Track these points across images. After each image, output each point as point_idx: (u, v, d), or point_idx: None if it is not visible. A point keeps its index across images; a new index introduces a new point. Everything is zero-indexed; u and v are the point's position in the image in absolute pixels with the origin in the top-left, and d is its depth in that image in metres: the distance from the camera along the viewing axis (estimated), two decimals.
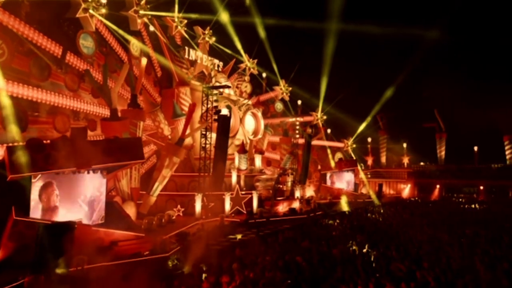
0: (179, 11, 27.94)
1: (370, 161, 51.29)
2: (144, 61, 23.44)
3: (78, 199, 14.12)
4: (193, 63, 29.07)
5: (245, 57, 35.41)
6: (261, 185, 28.53)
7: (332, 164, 41.80)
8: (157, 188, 22.70)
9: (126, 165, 15.97)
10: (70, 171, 13.37)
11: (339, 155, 44.83)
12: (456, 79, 47.67)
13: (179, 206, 23.83)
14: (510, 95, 42.54)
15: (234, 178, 26.50)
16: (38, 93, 18.25)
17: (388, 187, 47.39)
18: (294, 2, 50.25)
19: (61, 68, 20.21)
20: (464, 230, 18.12)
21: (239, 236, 17.97)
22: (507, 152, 45.88)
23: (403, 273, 11.23)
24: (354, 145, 46.32)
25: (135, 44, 24.77)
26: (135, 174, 21.73)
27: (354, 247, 14.80)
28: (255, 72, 36.49)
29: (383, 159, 51.90)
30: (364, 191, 43.07)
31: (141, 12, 24.60)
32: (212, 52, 31.73)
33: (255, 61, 36.12)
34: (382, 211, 28.30)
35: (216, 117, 23.50)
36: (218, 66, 31.50)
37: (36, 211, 12.48)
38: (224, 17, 30.54)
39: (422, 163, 50.55)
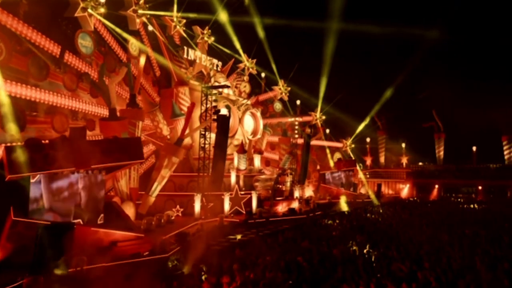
0: (178, 11, 27.86)
1: (368, 161, 51.33)
2: (142, 60, 23.34)
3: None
4: (192, 62, 28.99)
5: (244, 57, 35.34)
6: (260, 185, 28.48)
7: (331, 164, 41.78)
8: (156, 188, 22.61)
9: (126, 165, 15.87)
10: (69, 171, 13.26)
11: (338, 155, 44.85)
12: (455, 79, 47.75)
13: (178, 206, 23.74)
14: (509, 95, 42.59)
15: (233, 178, 26.43)
16: (36, 93, 18.14)
17: (387, 187, 47.43)
18: (293, 2, 50.21)
19: (59, 67, 20.10)
20: (464, 230, 18.13)
21: (238, 237, 17.91)
22: (505, 152, 46.01)
23: (404, 274, 11.21)
24: (353, 145, 46.34)
25: (133, 44, 24.69)
26: (134, 174, 21.66)
27: (354, 247, 14.78)
28: (254, 72, 36.44)
29: (382, 159, 51.97)
30: (363, 191, 43.09)
31: (140, 11, 24.52)
32: (211, 51, 31.68)
33: (254, 61, 36.06)
34: (381, 211, 28.31)
35: (215, 117, 23.42)
36: (217, 66, 31.43)
37: None
38: (223, 16, 30.47)
39: (420, 163, 50.62)
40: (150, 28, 26.12)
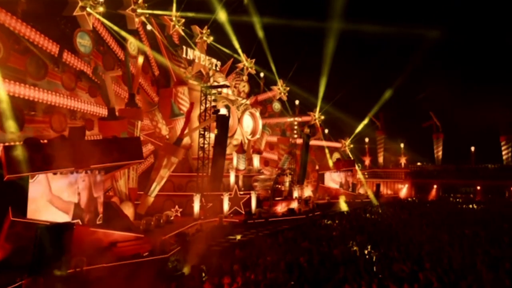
0: (177, 10, 27.74)
1: (367, 161, 51.38)
2: (140, 59, 23.23)
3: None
4: (190, 62, 28.88)
5: (243, 56, 35.25)
6: (259, 185, 28.41)
7: (330, 164, 41.75)
8: (155, 188, 22.51)
9: (125, 165, 15.76)
10: (68, 171, 13.15)
11: (336, 155, 44.84)
12: (454, 80, 47.86)
13: (177, 207, 23.65)
14: (507, 95, 42.73)
15: (232, 178, 26.36)
16: (34, 92, 17.98)
17: (385, 187, 47.49)
18: (293, 2, 50.19)
19: (58, 66, 19.94)
20: (464, 230, 18.14)
21: (238, 237, 17.86)
22: (503, 153, 46.14)
23: (406, 274, 11.17)
24: (352, 145, 46.33)
25: (132, 43, 24.56)
26: (133, 174, 21.56)
27: (355, 248, 14.74)
28: (253, 71, 36.35)
29: (381, 159, 52.04)
30: (361, 191, 43.11)
31: (139, 10, 24.38)
32: (210, 51, 31.58)
33: (253, 60, 35.98)
34: (380, 211, 28.31)
35: (214, 117, 23.34)
36: (216, 65, 31.33)
37: None
38: (222, 16, 30.38)
39: (419, 163, 50.68)
40: (149, 27, 26.00)
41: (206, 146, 23.80)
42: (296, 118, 36.37)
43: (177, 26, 28.15)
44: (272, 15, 33.72)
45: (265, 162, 37.86)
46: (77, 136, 13.81)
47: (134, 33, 25.01)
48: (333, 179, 41.18)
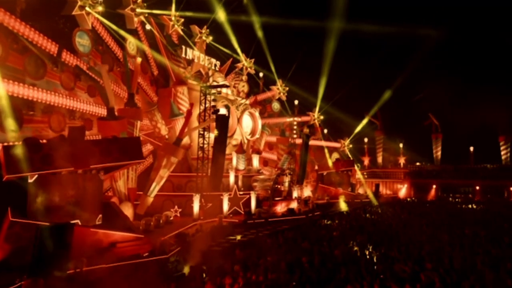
0: (176, 10, 27.65)
1: (366, 161, 51.40)
2: (139, 58, 23.11)
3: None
4: (190, 62, 28.80)
5: (242, 56, 35.19)
6: (259, 185, 28.34)
7: (330, 164, 41.73)
8: (155, 188, 22.43)
9: (125, 165, 15.68)
10: (67, 171, 13.05)
11: (336, 155, 44.82)
12: (452, 80, 47.91)
13: (176, 207, 23.56)
14: (505, 96, 42.83)
15: (232, 178, 26.29)
16: (33, 92, 17.88)
17: (384, 187, 47.52)
18: (292, 1, 50.17)
19: (56, 66, 19.85)
20: (464, 230, 18.13)
21: (238, 237, 17.80)
22: (502, 153, 46.23)
23: (407, 274, 11.14)
24: (351, 145, 46.33)
25: (131, 43, 24.47)
26: (132, 174, 21.47)
27: (355, 248, 14.71)
28: (252, 71, 36.29)
29: (380, 159, 52.07)
30: (361, 191, 43.10)
31: (138, 10, 24.29)
32: (209, 51, 31.50)
33: (252, 60, 35.92)
34: (380, 211, 28.30)
35: (214, 117, 23.27)
36: (215, 65, 31.27)
37: None
38: (221, 16, 30.31)
39: (418, 163, 50.72)
40: (148, 27, 25.92)
41: (205, 146, 23.72)
42: (296, 118, 36.33)
43: (176, 26, 28.07)
44: (271, 15, 33.73)
45: (264, 162, 37.79)
46: (76, 136, 13.70)
47: (133, 32, 24.92)
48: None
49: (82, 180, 13.71)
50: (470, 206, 32.54)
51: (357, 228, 19.55)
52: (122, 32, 23.42)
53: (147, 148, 27.20)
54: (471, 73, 53.83)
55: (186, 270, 12.57)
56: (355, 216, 25.47)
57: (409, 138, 49.53)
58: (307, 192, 35.24)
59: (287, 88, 39.35)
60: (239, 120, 30.74)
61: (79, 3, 19.90)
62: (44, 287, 9.38)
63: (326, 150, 42.85)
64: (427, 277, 10.68)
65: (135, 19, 24.21)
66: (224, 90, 28.76)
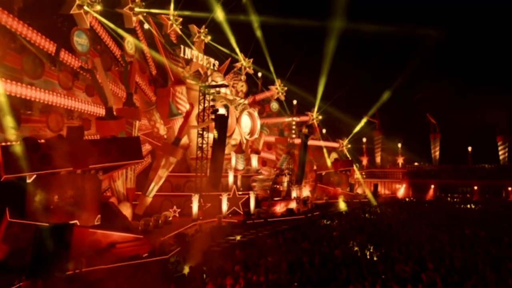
0: (174, 9, 27.52)
1: (365, 161, 51.39)
2: (134, 57, 22.98)
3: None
4: (188, 61, 28.69)
5: (240, 56, 35.09)
6: (258, 186, 28.26)
7: (329, 164, 41.69)
8: (153, 188, 22.32)
9: (124, 165, 15.59)
10: (66, 171, 12.93)
11: (334, 155, 44.78)
12: (451, 80, 47.99)
13: (175, 207, 23.47)
14: (504, 96, 42.93)
15: (231, 178, 26.20)
16: (31, 91, 17.73)
17: (383, 187, 47.53)
18: (291, 1, 50.14)
19: (55, 65, 19.69)
20: (463, 230, 18.14)
21: (238, 237, 17.72)
22: (500, 153, 46.33)
23: (408, 274, 11.10)
24: (349, 145, 46.32)
25: (130, 42, 24.33)
26: (130, 175, 21.36)
27: (355, 248, 14.66)
28: (251, 71, 36.18)
29: (378, 159, 52.07)
30: (359, 191, 43.09)
31: (136, 9, 24.15)
32: (208, 50, 31.39)
33: (251, 60, 35.84)
34: (379, 211, 28.29)
35: (213, 117, 23.17)
36: (214, 65, 31.18)
37: None
38: (219, 15, 30.21)
39: (416, 163, 50.77)
40: (146, 26, 25.78)
41: (204, 146, 23.62)
42: (294, 118, 36.27)
43: (174, 25, 27.91)
44: (270, 14, 33.67)
45: (263, 162, 37.73)
46: (75, 135, 13.62)
47: (132, 32, 24.77)
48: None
49: (80, 180, 13.62)
50: (468, 206, 32.59)
51: (357, 228, 19.53)
52: (121, 31, 23.28)
53: (145, 148, 27.06)
54: (470, 73, 54.02)
55: (186, 270, 12.49)
56: (355, 216, 25.46)
57: (407, 138, 49.63)
58: (305, 192, 35.21)
59: (286, 88, 39.27)
60: (238, 120, 30.66)
61: (77, 2, 19.75)
62: None
63: (325, 150, 42.82)
64: (428, 277, 10.65)
65: (134, 18, 24.06)
66: (223, 89, 28.66)
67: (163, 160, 22.62)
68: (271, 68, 37.04)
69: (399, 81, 41.67)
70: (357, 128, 45.43)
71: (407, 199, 40.18)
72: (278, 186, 28.92)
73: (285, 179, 30.13)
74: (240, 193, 25.27)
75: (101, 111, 21.08)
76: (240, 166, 27.84)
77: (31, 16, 18.06)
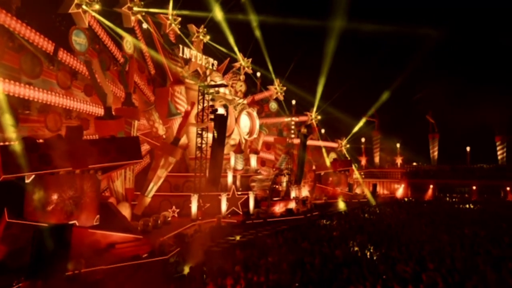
0: (173, 9, 27.42)
1: (363, 161, 51.40)
2: (135, 55, 22.88)
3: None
4: (187, 61, 28.61)
5: (239, 56, 35.02)
6: (257, 186, 28.20)
7: (328, 163, 41.67)
8: (152, 188, 22.23)
9: (123, 165, 15.48)
10: (65, 171, 12.84)
11: (333, 155, 44.77)
12: (449, 80, 48.08)
13: (174, 207, 23.38)
14: (502, 96, 43.03)
15: (230, 178, 26.13)
16: (29, 91, 17.62)
17: (382, 187, 47.53)
18: (290, 0, 50.10)
19: (53, 65, 19.61)
20: (463, 230, 18.13)
21: (238, 238, 17.65)
22: (498, 153, 46.41)
23: (409, 275, 11.06)
24: (348, 145, 46.31)
25: (128, 41, 24.21)
26: (129, 175, 21.26)
27: (356, 248, 14.62)
28: (250, 71, 36.10)
29: (377, 159, 52.08)
30: (358, 191, 43.07)
31: (135, 9, 24.02)
32: (206, 50, 31.31)
33: (250, 60, 35.76)
34: (378, 211, 28.28)
35: (212, 117, 23.09)
36: (213, 64, 31.10)
37: None
38: (218, 14, 30.12)
39: (414, 163, 50.82)
40: (144, 25, 25.68)
41: (203, 146, 23.54)
42: (293, 118, 36.23)
43: (173, 25, 27.79)
44: (269, 14, 33.61)
45: (262, 162, 37.69)
46: (74, 135, 13.50)
47: (130, 31, 24.66)
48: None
49: (79, 180, 13.52)
50: (467, 206, 32.61)
51: (356, 228, 19.49)
52: (119, 31, 23.16)
53: (144, 148, 26.96)
54: (468, 73, 54.14)
55: (186, 271, 12.42)
56: (354, 216, 25.43)
57: (406, 138, 49.66)
58: (304, 192, 35.18)
59: (285, 88, 39.20)
60: (237, 120, 30.60)
61: (76, 1, 19.59)
62: None
63: (323, 150, 42.80)
64: (429, 277, 10.61)
65: (132, 18, 23.91)
66: (222, 89, 28.60)
67: (162, 160, 22.53)
68: (270, 68, 36.98)
69: (398, 81, 41.70)
70: (356, 128, 45.44)
71: (406, 199, 40.18)
72: (277, 186, 28.88)
73: (284, 179, 30.10)
74: (239, 193, 25.21)
75: (100, 111, 20.99)
76: (239, 166, 27.77)
77: (29, 15, 17.97)
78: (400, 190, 45.73)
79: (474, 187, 42.81)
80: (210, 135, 23.65)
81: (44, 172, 12.11)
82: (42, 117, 18.90)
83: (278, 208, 26.59)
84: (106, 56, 23.18)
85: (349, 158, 44.44)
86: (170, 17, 27.53)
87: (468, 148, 47.34)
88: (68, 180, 13.10)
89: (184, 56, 28.14)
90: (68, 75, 20.43)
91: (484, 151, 47.40)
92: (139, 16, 24.50)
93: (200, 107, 24.12)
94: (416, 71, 46.17)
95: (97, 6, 20.80)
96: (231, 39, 32.68)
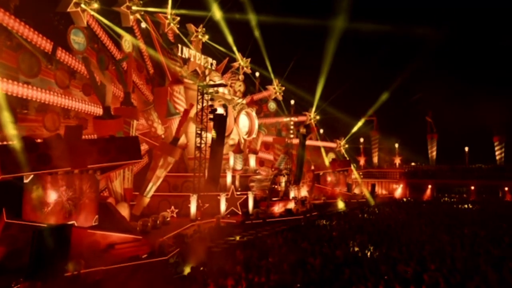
0: (172, 8, 27.32)
1: (362, 161, 51.40)
2: (133, 54, 22.79)
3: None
4: (186, 61, 28.51)
5: (238, 55, 34.95)
6: (256, 186, 28.14)
7: (327, 163, 41.65)
8: (151, 188, 22.12)
9: (123, 165, 15.38)
10: (64, 171, 12.72)
11: (332, 155, 44.76)
12: (448, 80, 48.17)
13: (173, 207, 23.28)
14: (500, 96, 43.14)
15: (229, 179, 26.04)
16: (27, 90, 17.47)
17: (380, 187, 47.54)
18: (290, 0, 50.03)
19: (51, 64, 19.47)
20: (463, 230, 18.11)
21: (237, 238, 17.57)
22: (497, 153, 46.53)
23: (410, 275, 11.02)
24: (347, 145, 46.30)
25: (127, 41, 24.10)
26: (128, 175, 21.16)
27: (356, 249, 14.57)
28: (249, 71, 36.06)
29: (375, 159, 52.11)
30: (357, 191, 43.06)
31: (134, 8, 23.94)
32: (205, 50, 31.20)
33: (249, 59, 35.69)
34: (377, 211, 28.26)
35: (211, 117, 23.00)
36: (212, 64, 31.00)
37: None
38: (217, 14, 30.04)
39: (413, 163, 50.87)
40: (143, 25, 25.57)
41: (202, 146, 23.45)
42: (292, 118, 36.18)
43: (172, 24, 27.71)
44: (268, 14, 33.52)
45: (260, 162, 37.62)
46: (73, 135, 13.38)
47: (129, 30, 24.55)
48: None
49: (78, 180, 13.41)
50: (466, 206, 32.64)
51: (356, 228, 19.43)
52: (118, 30, 23.04)
53: (143, 148, 26.81)
54: (467, 73, 54.25)
55: (186, 271, 12.32)
56: (353, 216, 25.39)
57: (404, 138, 49.73)
58: (303, 192, 35.14)
59: (283, 88, 39.18)
60: (236, 119, 30.51)
61: (74, 0, 19.52)
62: None
63: (322, 150, 42.77)
64: (430, 277, 10.57)
65: (131, 17, 23.84)
66: (221, 89, 28.51)
67: (161, 160, 22.42)
68: (269, 68, 36.96)
69: (396, 81, 41.73)
70: (355, 129, 45.46)
71: (404, 199, 40.20)
72: (276, 186, 28.83)
73: (283, 179, 30.06)
74: (238, 193, 25.12)
75: (98, 111, 20.87)
76: (238, 166, 27.69)
77: (27, 14, 17.85)
78: (398, 190, 45.76)
79: (472, 187, 42.90)
80: (209, 135, 23.55)
81: (42, 172, 12.00)
82: (40, 117, 18.77)
83: (277, 208, 26.55)
84: (105, 55, 23.03)
85: (347, 158, 44.44)
86: (169, 17, 27.45)
87: (466, 148, 47.46)
88: (67, 180, 12.99)
89: (183, 56, 28.04)
90: (66, 74, 20.30)
91: (483, 151, 47.58)
92: (137, 15, 24.42)
93: (199, 106, 24.01)
94: (415, 71, 46.28)
95: (95, 5, 20.73)
96: (230, 39, 32.68)
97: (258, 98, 38.98)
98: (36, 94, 17.95)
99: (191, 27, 30.21)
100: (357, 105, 47.38)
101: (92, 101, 21.31)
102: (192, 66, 28.48)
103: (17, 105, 17.58)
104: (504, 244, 15.38)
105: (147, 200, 22.04)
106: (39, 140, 12.70)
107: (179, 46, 28.12)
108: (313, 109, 41.11)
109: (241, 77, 35.00)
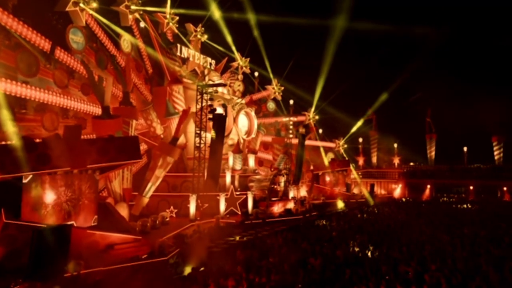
0: (171, 7, 27.24)
1: (361, 161, 51.40)
2: (132, 53, 22.69)
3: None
4: (185, 60, 28.43)
5: (237, 55, 34.88)
6: (255, 186, 28.08)
7: (326, 163, 41.62)
8: (150, 188, 22.04)
9: (122, 165, 15.31)
10: (63, 171, 12.64)
11: (331, 155, 44.74)
12: (447, 81, 48.23)
13: (172, 207, 23.19)
14: (499, 96, 43.20)
15: (228, 179, 25.98)
16: (25, 90, 17.37)
17: (379, 187, 47.57)
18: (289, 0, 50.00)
19: (50, 63, 19.34)
20: (463, 230, 18.11)
21: (237, 238, 17.51)
22: (495, 153, 46.62)
23: (411, 275, 10.99)
24: (346, 145, 46.30)
25: (126, 40, 24.01)
26: (127, 175, 21.08)
27: (356, 249, 14.54)
28: (248, 71, 35.98)
29: (374, 159, 52.15)
30: (356, 191, 43.05)
31: (132, 7, 23.82)
32: (204, 49, 31.12)
33: (248, 59, 35.62)
34: (376, 211, 28.25)
35: (211, 116, 22.92)
36: (211, 64, 30.92)
37: None
38: (216, 13, 29.97)
39: (412, 163, 50.92)
40: (142, 24, 25.48)
41: (202, 146, 23.38)
42: (291, 118, 36.13)
43: (171, 24, 27.61)
44: (267, 14, 33.46)
45: (259, 162, 37.54)
46: (72, 135, 13.28)
47: (128, 30, 24.44)
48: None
49: (77, 180, 13.33)
50: (465, 206, 32.67)
51: (356, 228, 19.41)
52: (117, 29, 22.94)
53: (142, 148, 26.69)
54: (466, 73, 54.33)
55: (187, 272, 12.26)
56: (353, 216, 25.37)
57: (403, 138, 49.77)
58: (302, 192, 35.09)
59: (283, 88, 39.12)
60: (235, 119, 30.44)
61: None
62: None
63: (321, 150, 42.75)
64: (431, 278, 10.55)
65: (130, 17, 23.70)
66: (220, 89, 28.42)
67: (160, 160, 22.35)
68: (268, 68, 36.87)
69: (396, 81, 41.75)
70: (354, 129, 45.46)
71: (403, 199, 40.22)
72: (275, 186, 28.79)
73: (282, 179, 30.01)
74: (237, 193, 25.05)
75: (97, 110, 20.76)
76: (238, 166, 27.63)
77: (26, 13, 17.72)
78: (397, 190, 45.78)
79: (471, 187, 42.97)
80: (208, 135, 23.48)
81: (42, 172, 11.92)
82: (38, 116, 18.64)
83: (277, 208, 26.51)
84: (103, 54, 22.94)
85: (346, 158, 44.44)
86: (167, 16, 27.36)
87: (465, 148, 47.55)
88: (66, 180, 12.91)
89: (182, 55, 27.96)
90: (65, 73, 20.17)
91: (481, 151, 47.67)
92: (136, 15, 24.30)
93: (198, 106, 23.94)
94: (414, 71, 46.31)
95: (94, 4, 20.61)
96: (229, 39, 32.59)
97: (257, 98, 38.90)
98: (35, 94, 17.84)
99: (190, 26, 30.14)
100: (356, 105, 47.48)
101: (91, 101, 21.20)
102: (191, 66, 28.40)
103: (16, 105, 17.44)
104: (504, 244, 15.38)
105: (146, 200, 21.96)
106: (38, 140, 12.60)
107: (178, 45, 28.06)
108: (312, 109, 41.08)
109: (240, 76, 34.91)
